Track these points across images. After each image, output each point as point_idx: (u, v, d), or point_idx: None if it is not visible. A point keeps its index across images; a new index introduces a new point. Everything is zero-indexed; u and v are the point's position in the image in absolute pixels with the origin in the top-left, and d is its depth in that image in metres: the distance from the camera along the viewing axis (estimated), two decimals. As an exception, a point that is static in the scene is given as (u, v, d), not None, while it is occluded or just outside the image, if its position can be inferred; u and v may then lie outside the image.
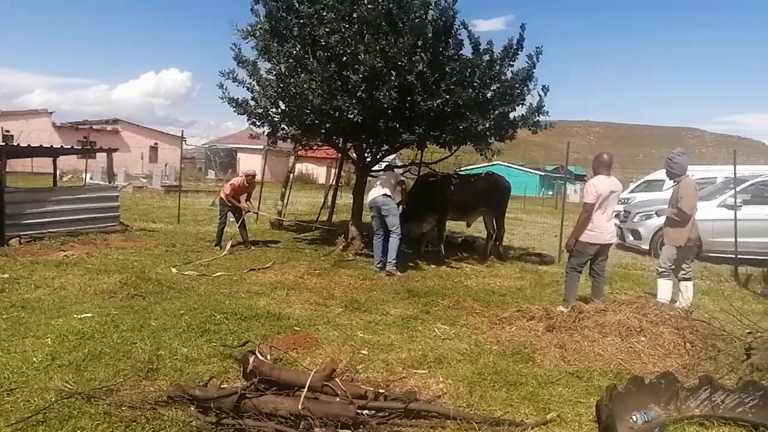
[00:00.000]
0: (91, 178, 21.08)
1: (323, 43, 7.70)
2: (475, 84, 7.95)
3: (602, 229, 5.82)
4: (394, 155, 12.33)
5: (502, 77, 8.34)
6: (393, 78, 7.32)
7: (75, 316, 4.89)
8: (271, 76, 8.64)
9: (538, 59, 8.51)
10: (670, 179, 6.36)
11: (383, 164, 9.96)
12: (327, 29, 7.61)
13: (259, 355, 3.57)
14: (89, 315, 4.93)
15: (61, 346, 4.13)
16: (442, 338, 5.01)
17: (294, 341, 4.62)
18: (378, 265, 8.01)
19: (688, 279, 6.42)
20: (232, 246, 9.26)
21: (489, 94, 8.18)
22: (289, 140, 10.15)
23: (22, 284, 6.16)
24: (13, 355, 3.94)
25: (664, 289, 6.24)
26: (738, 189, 10.08)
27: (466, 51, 8.38)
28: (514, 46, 8.43)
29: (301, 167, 29.90)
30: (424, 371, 4.12)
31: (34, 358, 3.88)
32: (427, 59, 7.51)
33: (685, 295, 6.29)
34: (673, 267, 6.29)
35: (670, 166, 6.26)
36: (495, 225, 10.02)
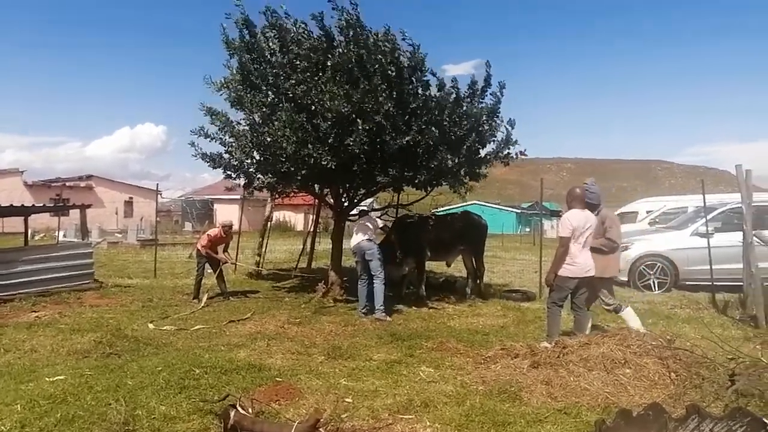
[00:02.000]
0: (64, 236, 20.70)
1: (291, 95, 7.82)
2: (445, 123, 8.10)
3: (580, 262, 5.87)
4: (371, 199, 12.39)
5: (471, 114, 8.52)
6: (360, 123, 7.42)
7: (46, 379, 4.71)
8: (245, 127, 8.70)
9: (503, 94, 8.77)
10: (590, 210, 6.33)
11: (360, 208, 9.99)
12: (293, 80, 7.75)
13: (240, 408, 3.47)
14: (61, 377, 4.75)
15: (31, 412, 3.95)
16: (427, 381, 4.93)
17: (276, 392, 4.51)
18: (363, 311, 7.93)
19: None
20: (209, 298, 9.11)
21: (458, 132, 8.31)
22: (265, 189, 10.17)
23: (-10, 349, 5.93)
24: (-20, 424, 3.76)
25: (631, 317, 6.25)
26: (709, 217, 10.30)
27: (433, 91, 8.57)
28: (481, 84, 8.65)
29: (279, 215, 29.84)
30: (410, 416, 4.03)
31: (2, 427, 3.71)
32: (394, 98, 7.65)
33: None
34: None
35: (587, 197, 6.14)
36: (474, 264, 10.04)
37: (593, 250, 6.10)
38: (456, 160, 8.18)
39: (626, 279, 11.21)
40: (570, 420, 3.95)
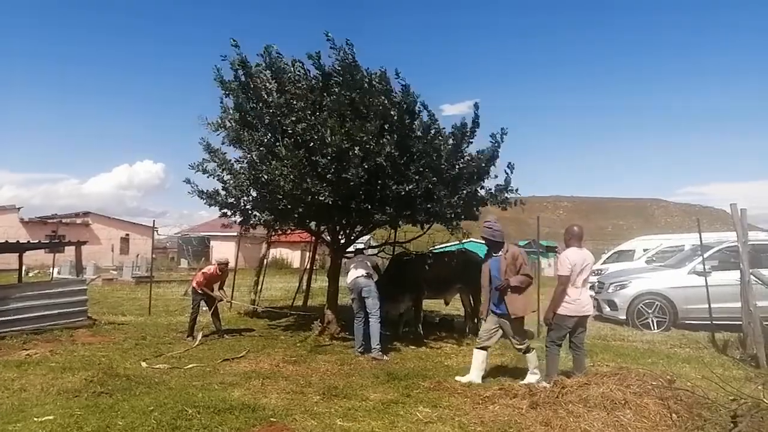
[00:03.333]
0: (58, 273, 20.58)
1: (290, 131, 7.90)
2: (443, 166, 8.16)
3: (579, 301, 5.85)
4: (368, 236, 12.39)
5: (466, 156, 8.58)
6: (360, 156, 7.47)
7: (35, 419, 4.61)
8: (243, 165, 8.76)
9: (503, 139, 8.83)
10: (490, 247, 6.31)
11: (357, 246, 9.97)
12: (294, 118, 7.84)
13: (232, 450, 3.38)
14: (50, 417, 4.65)
15: (18, 453, 3.86)
16: (424, 422, 4.84)
17: (270, 434, 4.41)
18: (359, 350, 7.85)
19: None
20: (203, 336, 9.00)
21: (455, 173, 8.36)
22: (261, 226, 10.16)
23: (-21, 388, 5.82)
24: (-36, 466, 3.66)
25: (533, 361, 6.18)
26: (706, 256, 10.31)
27: (430, 133, 8.66)
28: (470, 125, 8.74)
29: (275, 252, 29.74)
30: (407, 459, 3.93)
31: (-12, 468, 3.61)
32: (395, 141, 7.72)
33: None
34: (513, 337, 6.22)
35: (491, 234, 6.22)
36: (472, 302, 9.97)
37: (512, 289, 6.06)
38: (453, 201, 8.21)
39: (624, 317, 11.15)
40: (570, 463, 3.86)
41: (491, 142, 8.83)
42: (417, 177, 7.85)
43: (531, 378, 6.11)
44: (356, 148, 7.45)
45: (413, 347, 8.54)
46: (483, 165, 8.71)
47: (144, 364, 7.13)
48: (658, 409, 4.56)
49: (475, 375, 6.28)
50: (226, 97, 8.80)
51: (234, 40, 8.35)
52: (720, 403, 4.57)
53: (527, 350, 6.21)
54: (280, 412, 5.04)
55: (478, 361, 6.32)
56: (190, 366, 7.07)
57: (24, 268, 12.85)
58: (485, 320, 6.48)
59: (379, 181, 7.87)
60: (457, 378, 6.36)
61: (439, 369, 7.10)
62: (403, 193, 7.83)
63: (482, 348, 6.36)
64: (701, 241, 10.39)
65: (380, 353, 7.63)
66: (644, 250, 16.96)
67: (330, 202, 7.75)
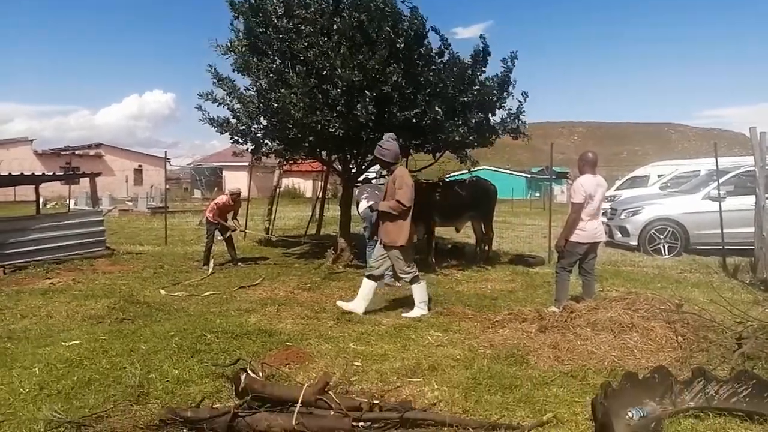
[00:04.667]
0: (75, 204, 20.90)
1: (302, 58, 7.71)
2: (449, 93, 7.96)
3: (591, 227, 5.84)
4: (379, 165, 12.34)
5: (476, 83, 8.36)
6: (370, 93, 7.32)
7: (62, 343, 4.81)
8: (252, 92, 8.63)
9: (514, 64, 8.57)
10: (382, 168, 5.83)
11: (368, 175, 9.95)
12: (305, 43, 7.63)
13: (250, 372, 3.53)
14: (77, 342, 4.85)
15: (49, 375, 4.05)
16: (435, 345, 4.98)
17: (286, 356, 4.58)
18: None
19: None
20: (219, 266, 9.22)
21: (465, 100, 8.18)
22: (273, 155, 10.14)
23: (7, 314, 6.06)
24: (-1, 387, 3.87)
25: (419, 293, 5.96)
26: (721, 181, 10.19)
27: (438, 60, 8.40)
28: (481, 53, 8.48)
29: (288, 182, 29.84)
30: (418, 379, 4.09)
31: (22, 389, 3.81)
32: (401, 70, 7.52)
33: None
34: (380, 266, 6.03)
35: (380, 153, 5.89)
36: (483, 229, 10.03)
37: (382, 215, 5.78)
38: (463, 131, 8.07)
39: (636, 243, 11.20)
40: (576, 383, 3.99)
41: (502, 67, 8.59)
42: (424, 104, 7.69)
43: (415, 312, 5.91)
44: (367, 83, 7.28)
45: (425, 274, 8.66)
46: (494, 92, 8.50)
47: (163, 292, 7.34)
48: (665, 332, 4.64)
49: (358, 305, 5.97)
50: (235, 19, 8.55)
51: None
52: (726, 325, 4.64)
53: (412, 281, 5.95)
54: (295, 336, 5.21)
55: (365, 290, 5.98)
56: (208, 293, 7.27)
57: (41, 199, 13.03)
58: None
59: (386, 109, 7.73)
60: (339, 303, 6.14)
61: (450, 295, 7.23)
62: (411, 119, 7.70)
63: (371, 277, 6.02)
64: (717, 166, 10.25)
65: (392, 279, 7.76)
66: (659, 176, 16.78)
67: (340, 134, 7.67)
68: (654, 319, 4.84)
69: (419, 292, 6.00)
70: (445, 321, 5.81)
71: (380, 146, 5.95)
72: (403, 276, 6.02)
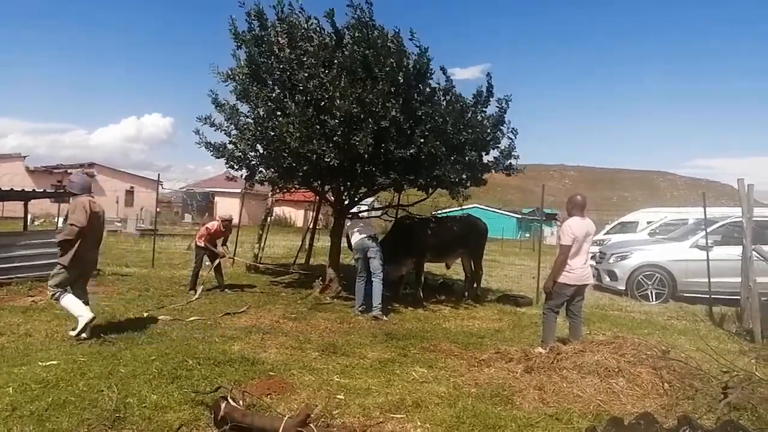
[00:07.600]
0: (63, 222, 20.70)
1: (302, 88, 7.80)
2: (448, 131, 8.07)
3: (579, 270, 5.86)
4: (372, 198, 12.39)
5: (475, 124, 8.49)
6: (370, 124, 7.40)
7: (39, 363, 4.70)
8: (249, 120, 8.69)
9: (508, 105, 8.74)
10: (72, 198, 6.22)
11: (361, 207, 9.98)
12: (306, 74, 7.73)
13: (231, 401, 3.46)
14: (55, 362, 4.75)
15: (22, 396, 3.95)
16: (420, 381, 4.92)
17: (268, 386, 4.50)
18: (359, 309, 7.93)
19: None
20: (205, 290, 9.11)
21: (462, 139, 8.28)
22: (266, 183, 10.15)
23: (-15, 331, 5.93)
24: (-29, 405, 3.75)
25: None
26: (709, 230, 10.29)
27: (439, 97, 8.54)
28: (485, 94, 8.64)
29: (279, 210, 29.84)
30: (401, 416, 4.02)
31: (-6, 409, 3.70)
32: (400, 105, 7.61)
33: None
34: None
35: (69, 186, 6.17)
36: (473, 267, 10.03)
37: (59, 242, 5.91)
38: (459, 168, 8.16)
39: (624, 288, 11.23)
40: (561, 426, 3.94)
41: (497, 107, 8.76)
42: (421, 141, 7.77)
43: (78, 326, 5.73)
44: (367, 115, 7.36)
45: (412, 309, 8.62)
46: (489, 131, 8.64)
47: (146, 315, 7.22)
48: (651, 378, 4.62)
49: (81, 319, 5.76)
50: (238, 48, 8.67)
51: None
52: (712, 374, 4.63)
53: (55, 298, 5.88)
54: (278, 366, 5.13)
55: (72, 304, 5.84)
56: (192, 319, 7.17)
57: (29, 216, 12.92)
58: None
59: (383, 144, 7.81)
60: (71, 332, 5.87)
61: (437, 331, 7.18)
62: (406, 157, 7.78)
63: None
64: (705, 215, 10.37)
65: (380, 312, 7.72)
66: (648, 223, 16.95)
67: (335, 165, 7.71)
68: (640, 364, 4.83)
69: (68, 306, 5.84)
70: (431, 357, 5.75)
71: (70, 180, 6.18)
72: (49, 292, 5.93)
